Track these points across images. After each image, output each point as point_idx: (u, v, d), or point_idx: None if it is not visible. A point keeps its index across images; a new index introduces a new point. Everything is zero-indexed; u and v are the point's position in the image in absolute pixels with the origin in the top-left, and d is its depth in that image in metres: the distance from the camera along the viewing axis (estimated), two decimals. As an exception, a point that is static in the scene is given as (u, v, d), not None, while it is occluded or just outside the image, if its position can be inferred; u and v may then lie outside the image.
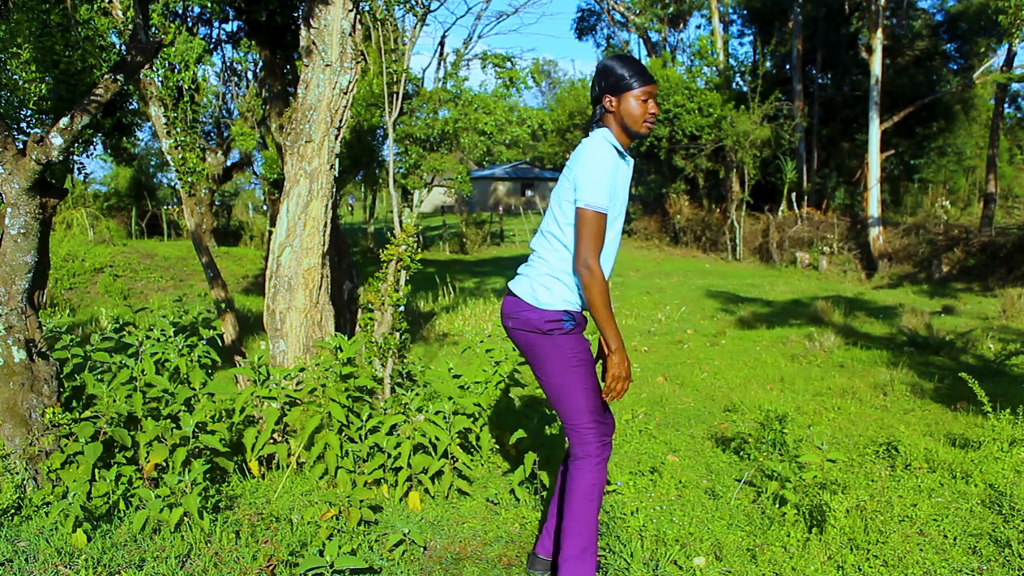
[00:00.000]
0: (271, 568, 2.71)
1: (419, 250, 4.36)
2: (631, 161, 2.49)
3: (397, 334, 4.21)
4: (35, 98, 5.98)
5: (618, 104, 2.38)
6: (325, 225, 4.41)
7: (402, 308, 4.29)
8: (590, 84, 2.54)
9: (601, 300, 2.26)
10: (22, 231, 3.27)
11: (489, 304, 11.39)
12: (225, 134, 18.40)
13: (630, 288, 14.26)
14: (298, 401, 3.63)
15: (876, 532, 2.94)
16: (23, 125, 6.31)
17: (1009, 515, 3.10)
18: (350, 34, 4.35)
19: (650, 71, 2.41)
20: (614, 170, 2.34)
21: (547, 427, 4.08)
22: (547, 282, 2.37)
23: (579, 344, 2.39)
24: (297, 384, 3.88)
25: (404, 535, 2.86)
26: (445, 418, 3.43)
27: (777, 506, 3.23)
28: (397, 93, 5.35)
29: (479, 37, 28.97)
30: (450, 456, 3.46)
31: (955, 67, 24.42)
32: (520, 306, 2.39)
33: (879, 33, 18.13)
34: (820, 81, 24.48)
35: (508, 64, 20.63)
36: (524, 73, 20.97)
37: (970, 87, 20.79)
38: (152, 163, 22.77)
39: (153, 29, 4.36)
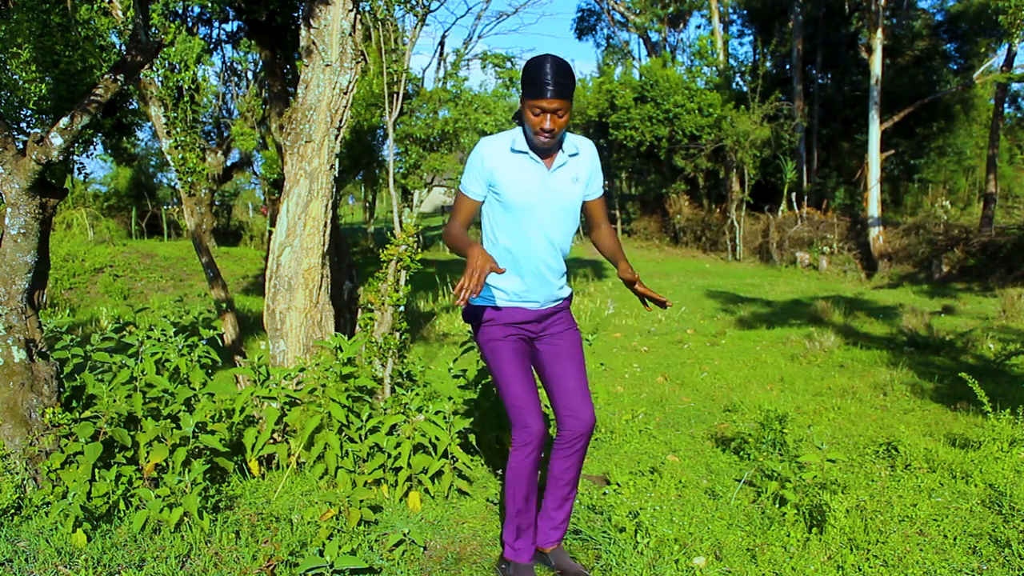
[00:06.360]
0: (271, 568, 2.71)
1: (419, 250, 4.36)
2: (539, 161, 2.51)
3: (397, 334, 4.21)
4: (35, 98, 5.98)
5: (522, 107, 2.42)
6: (325, 225, 4.41)
7: (402, 308, 4.29)
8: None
9: (450, 242, 2.51)
10: (22, 231, 3.27)
11: (489, 304, 11.37)
12: (225, 134, 18.39)
13: (630, 288, 14.23)
14: (298, 401, 3.63)
15: (876, 532, 2.94)
16: (23, 125, 6.30)
17: (1009, 515, 3.10)
18: (350, 34, 4.35)
19: (556, 82, 2.32)
20: (479, 164, 2.51)
21: (548, 428, 4.07)
22: None
23: (489, 333, 2.60)
24: (297, 384, 3.88)
25: (404, 535, 2.86)
26: (445, 418, 3.43)
27: (777, 506, 3.23)
28: (397, 93, 5.35)
29: (479, 37, 28.98)
30: (450, 456, 3.45)
31: (955, 67, 24.40)
32: None
33: (879, 33, 18.13)
34: (820, 81, 24.47)
35: (508, 64, 20.65)
36: (524, 73, 20.94)
37: (970, 87, 20.78)
38: (152, 163, 22.76)
39: (153, 29, 4.36)
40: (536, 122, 2.38)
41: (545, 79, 2.32)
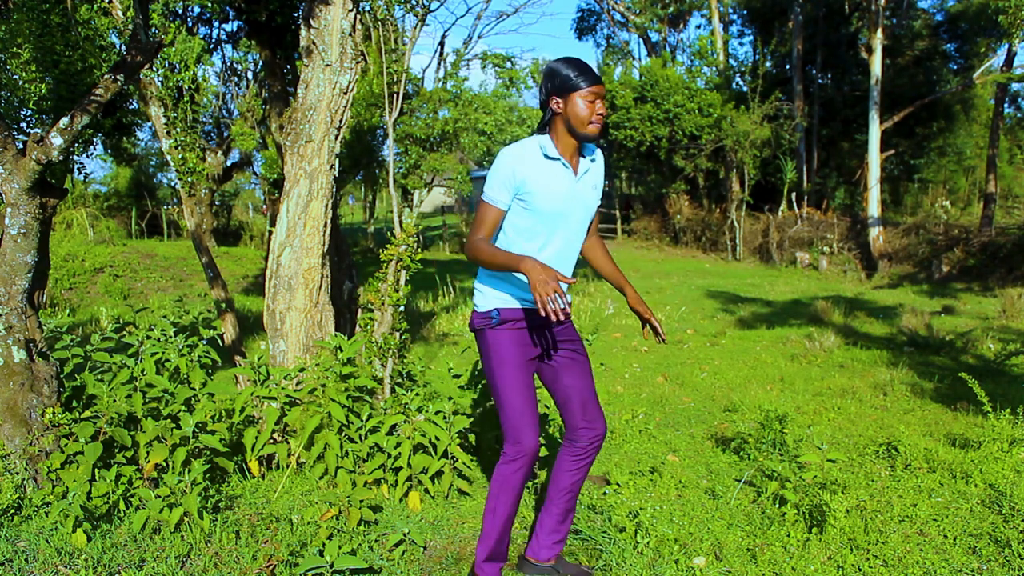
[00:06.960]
0: (271, 568, 2.71)
1: (419, 250, 4.35)
2: (568, 167, 2.50)
3: (397, 334, 4.21)
4: (35, 98, 5.97)
5: (565, 105, 2.43)
6: (325, 225, 4.41)
7: (402, 308, 4.29)
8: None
9: (484, 257, 2.40)
10: (22, 231, 3.27)
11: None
12: (225, 134, 18.40)
13: (630, 288, 14.23)
14: (298, 401, 3.63)
15: (876, 532, 2.94)
16: (23, 125, 6.30)
17: (1009, 515, 3.10)
18: (350, 34, 4.35)
19: (596, 72, 2.45)
20: (508, 173, 2.43)
21: (547, 427, 4.08)
22: (477, 287, 2.59)
23: (498, 337, 2.51)
24: (297, 384, 3.88)
25: (404, 535, 2.86)
26: (445, 418, 3.43)
27: (777, 506, 3.23)
28: (397, 93, 5.35)
29: (479, 37, 29.00)
30: (450, 456, 3.45)
31: (955, 67, 24.42)
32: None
33: (879, 33, 18.13)
34: (820, 81, 24.48)
35: (508, 64, 20.67)
36: (524, 73, 21.02)
37: (970, 87, 20.78)
38: (152, 163, 22.76)
39: (153, 29, 4.36)
40: (592, 109, 2.42)
41: (589, 68, 2.42)
